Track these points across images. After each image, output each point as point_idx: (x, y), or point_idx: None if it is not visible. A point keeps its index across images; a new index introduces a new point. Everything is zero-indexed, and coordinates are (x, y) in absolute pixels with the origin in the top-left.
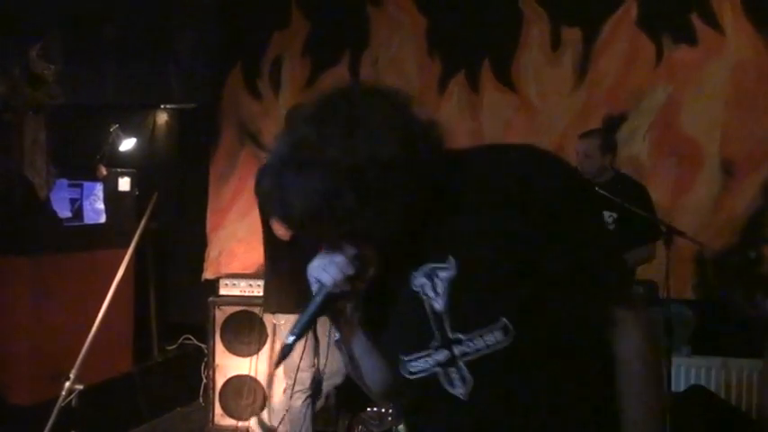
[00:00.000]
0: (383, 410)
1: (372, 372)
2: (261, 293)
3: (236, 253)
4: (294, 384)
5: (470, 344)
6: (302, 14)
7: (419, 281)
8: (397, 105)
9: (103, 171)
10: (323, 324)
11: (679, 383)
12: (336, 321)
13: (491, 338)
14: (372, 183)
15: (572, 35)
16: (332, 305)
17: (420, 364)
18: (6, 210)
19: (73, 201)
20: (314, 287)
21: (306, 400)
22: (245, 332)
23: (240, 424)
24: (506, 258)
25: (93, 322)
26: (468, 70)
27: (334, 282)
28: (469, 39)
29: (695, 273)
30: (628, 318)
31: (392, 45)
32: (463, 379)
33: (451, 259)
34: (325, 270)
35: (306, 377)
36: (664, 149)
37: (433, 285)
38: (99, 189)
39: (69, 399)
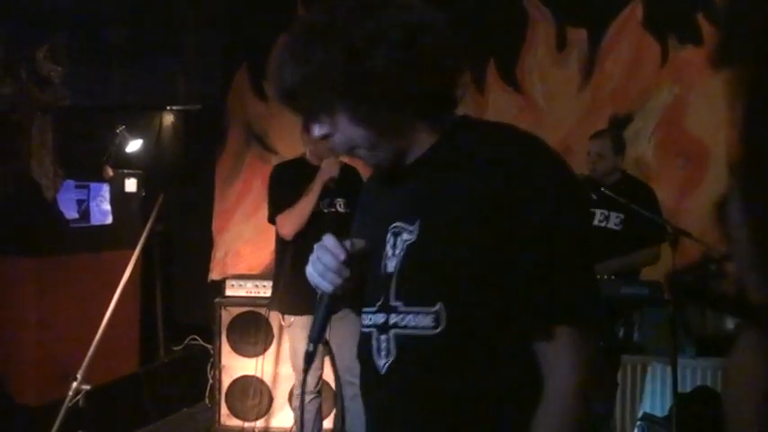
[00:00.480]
0: None
1: None
2: (267, 294)
3: (243, 254)
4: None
5: (404, 317)
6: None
7: (388, 236)
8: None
9: (110, 172)
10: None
11: (685, 385)
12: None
13: (422, 321)
14: (367, 62)
15: (578, 35)
16: (337, 305)
17: (366, 319)
18: (13, 211)
19: (80, 202)
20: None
21: (312, 400)
22: (252, 333)
23: (246, 424)
24: (468, 245)
25: (100, 323)
26: (474, 71)
27: (333, 288)
28: (474, 39)
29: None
30: (568, 348)
31: None
32: (388, 351)
33: (417, 223)
34: (322, 278)
35: (311, 378)
36: (670, 150)
37: (394, 244)
38: (106, 190)
39: (76, 399)
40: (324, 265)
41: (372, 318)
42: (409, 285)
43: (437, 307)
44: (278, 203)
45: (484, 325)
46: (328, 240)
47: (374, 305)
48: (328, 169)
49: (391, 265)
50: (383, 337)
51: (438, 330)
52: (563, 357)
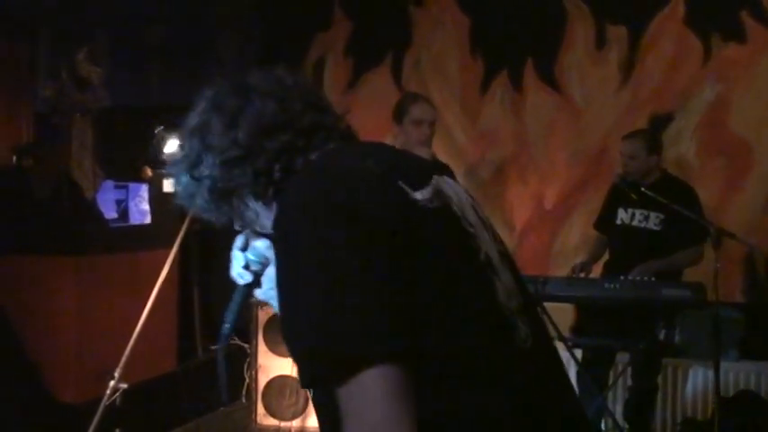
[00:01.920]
0: None
1: None
2: None
3: None
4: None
5: None
6: (344, 15)
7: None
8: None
9: (149, 172)
10: None
11: (728, 389)
12: None
13: None
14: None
15: (617, 33)
16: (250, 293)
17: None
18: (54, 211)
19: (119, 202)
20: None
21: None
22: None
23: (283, 424)
24: None
25: (138, 322)
26: (511, 70)
27: (244, 280)
28: (512, 38)
29: (745, 275)
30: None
31: (434, 45)
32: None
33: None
34: (235, 271)
35: None
36: (712, 149)
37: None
38: (144, 190)
39: (114, 397)
40: (235, 257)
41: None
42: None
43: None
44: None
45: None
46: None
47: None
48: (418, 148)
49: None
50: None
51: None
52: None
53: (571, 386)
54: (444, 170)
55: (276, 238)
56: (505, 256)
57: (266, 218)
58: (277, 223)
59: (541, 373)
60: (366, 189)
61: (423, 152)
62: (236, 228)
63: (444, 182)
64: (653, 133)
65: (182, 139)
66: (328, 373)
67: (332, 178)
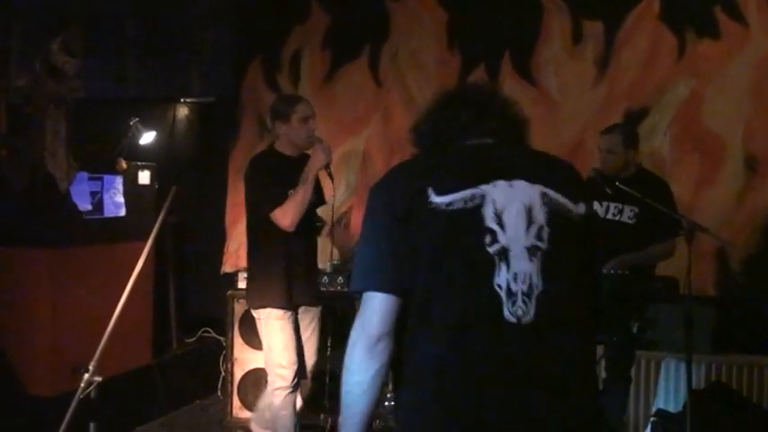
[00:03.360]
0: None
1: None
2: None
3: None
4: (275, 381)
5: None
6: (322, 8)
7: None
8: None
9: (123, 164)
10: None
11: (700, 381)
12: None
13: None
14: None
15: (593, 28)
16: None
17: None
18: (27, 202)
19: (93, 194)
20: None
21: (286, 397)
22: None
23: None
24: None
25: (113, 314)
26: (488, 64)
27: None
28: (489, 32)
29: (717, 269)
30: None
31: (412, 39)
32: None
33: None
34: None
35: (287, 374)
36: (686, 145)
37: None
38: (119, 182)
39: (88, 391)
40: None
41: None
42: None
43: None
44: (274, 198)
45: None
46: None
47: None
48: (323, 155)
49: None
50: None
51: None
52: None
53: (569, 374)
54: (545, 170)
55: None
56: (539, 251)
57: None
58: None
59: (532, 347)
60: (395, 184)
61: (325, 148)
62: None
63: (503, 187)
64: (630, 128)
65: None
66: (352, 289)
67: (390, 171)
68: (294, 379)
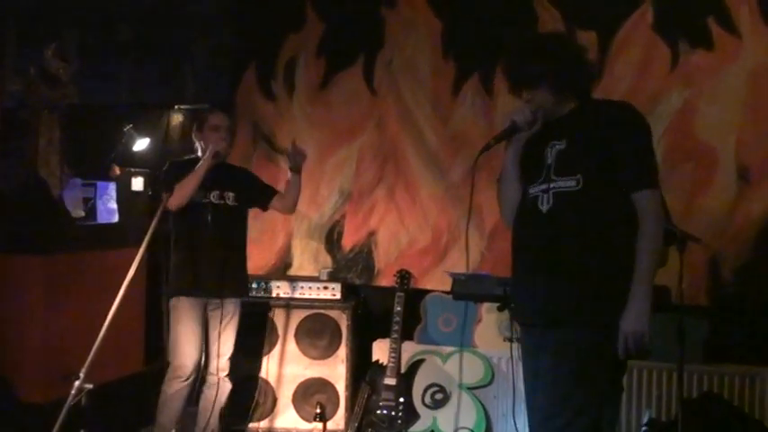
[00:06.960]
0: (392, 413)
1: (507, 189)
2: (273, 295)
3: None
4: (173, 371)
5: (558, 182)
6: (317, 16)
7: (546, 149)
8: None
9: (117, 171)
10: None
11: (692, 390)
12: (510, 142)
13: (569, 183)
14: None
15: (587, 38)
16: (513, 133)
17: (533, 190)
18: (20, 208)
19: (86, 200)
20: (505, 124)
21: (180, 389)
22: (256, 333)
23: (250, 425)
24: (592, 149)
25: (105, 321)
26: (482, 73)
27: (521, 119)
28: (484, 41)
29: (709, 279)
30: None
31: (407, 47)
32: (549, 201)
33: (564, 140)
34: (520, 113)
35: (183, 365)
36: (678, 155)
37: (550, 152)
38: (112, 189)
39: (79, 397)
40: (521, 109)
41: (537, 188)
42: (559, 167)
43: (576, 176)
44: (168, 182)
45: (602, 184)
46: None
47: (538, 181)
48: (214, 145)
49: (550, 160)
50: (545, 195)
51: (578, 188)
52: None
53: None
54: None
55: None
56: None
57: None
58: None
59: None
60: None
61: (218, 138)
62: None
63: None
64: None
65: None
66: (655, 184)
67: None
68: (192, 372)
